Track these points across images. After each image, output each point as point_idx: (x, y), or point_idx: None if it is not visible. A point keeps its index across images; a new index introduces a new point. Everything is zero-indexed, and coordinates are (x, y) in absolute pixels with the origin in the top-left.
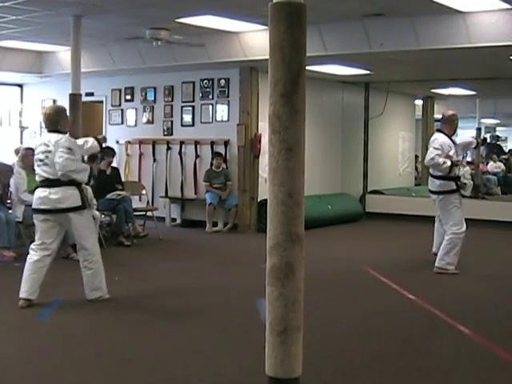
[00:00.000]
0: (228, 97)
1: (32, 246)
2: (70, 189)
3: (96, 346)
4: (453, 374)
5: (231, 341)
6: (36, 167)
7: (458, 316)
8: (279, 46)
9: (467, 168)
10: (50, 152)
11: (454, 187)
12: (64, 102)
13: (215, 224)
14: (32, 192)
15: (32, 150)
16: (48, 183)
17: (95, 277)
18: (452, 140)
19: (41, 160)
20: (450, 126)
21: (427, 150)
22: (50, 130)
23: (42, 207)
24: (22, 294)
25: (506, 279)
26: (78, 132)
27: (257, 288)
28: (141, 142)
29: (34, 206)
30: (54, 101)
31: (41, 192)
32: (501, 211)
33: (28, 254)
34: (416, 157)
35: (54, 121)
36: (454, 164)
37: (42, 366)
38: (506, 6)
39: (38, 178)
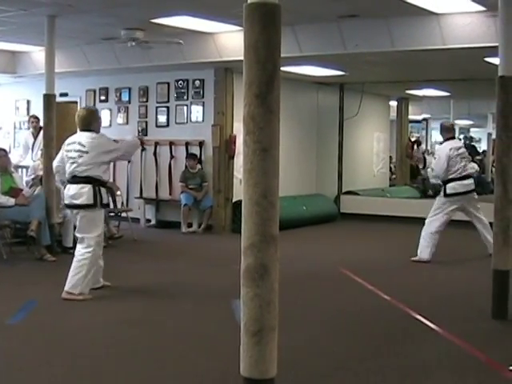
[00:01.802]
0: (203, 97)
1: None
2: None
3: (70, 348)
4: (428, 373)
5: (206, 341)
6: (68, 164)
7: (432, 316)
8: (254, 46)
9: None
10: (85, 153)
11: None
12: (38, 103)
13: (190, 225)
14: (6, 193)
15: (5, 150)
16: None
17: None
18: None
19: (72, 158)
20: None
21: (400, 150)
22: (83, 130)
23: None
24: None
25: (480, 280)
26: (51, 133)
27: (232, 289)
28: None
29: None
30: (28, 101)
31: (68, 189)
32: None
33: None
34: (390, 158)
35: (87, 122)
36: None
37: (14, 367)
38: (480, 7)
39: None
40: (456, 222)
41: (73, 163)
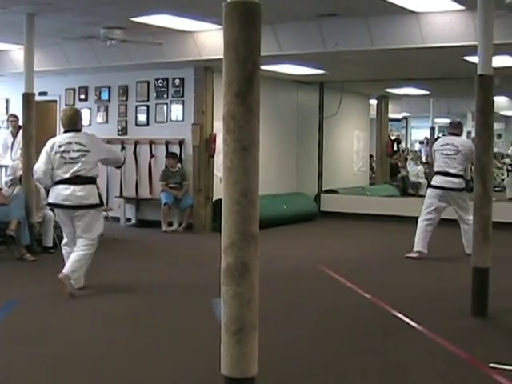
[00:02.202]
0: (183, 96)
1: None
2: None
3: (50, 348)
4: (409, 371)
5: (186, 340)
6: (61, 164)
7: (413, 314)
8: (233, 45)
9: (420, 167)
10: (88, 152)
11: None
12: (17, 102)
13: (170, 224)
14: None
15: None
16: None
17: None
18: None
19: (73, 158)
20: None
21: (380, 148)
22: (71, 130)
23: (66, 203)
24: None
25: (463, 278)
26: (31, 132)
27: (212, 287)
28: None
29: (56, 202)
30: (7, 100)
31: (64, 189)
32: (454, 209)
33: None
34: (371, 156)
35: (74, 121)
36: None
37: None
38: (459, 7)
39: (59, 177)
40: (441, 221)
41: (75, 163)
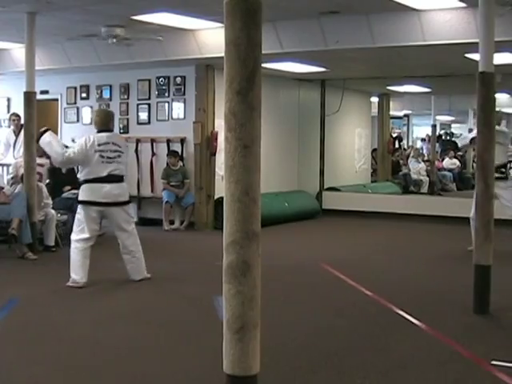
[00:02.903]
0: (184, 94)
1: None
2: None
3: (53, 346)
4: (410, 369)
5: (189, 338)
6: (99, 164)
7: (414, 311)
8: (235, 43)
9: (422, 165)
10: (122, 153)
11: None
12: (18, 100)
13: (172, 222)
14: None
15: None
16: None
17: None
18: None
19: (110, 158)
20: None
21: (382, 146)
22: (106, 130)
23: (103, 201)
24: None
25: (462, 275)
26: (32, 131)
27: (214, 286)
28: None
29: (92, 199)
30: (9, 99)
31: (100, 188)
32: (456, 207)
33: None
34: (374, 150)
35: (107, 121)
36: None
37: None
38: (460, 4)
39: (94, 175)
40: (440, 218)
41: (111, 163)
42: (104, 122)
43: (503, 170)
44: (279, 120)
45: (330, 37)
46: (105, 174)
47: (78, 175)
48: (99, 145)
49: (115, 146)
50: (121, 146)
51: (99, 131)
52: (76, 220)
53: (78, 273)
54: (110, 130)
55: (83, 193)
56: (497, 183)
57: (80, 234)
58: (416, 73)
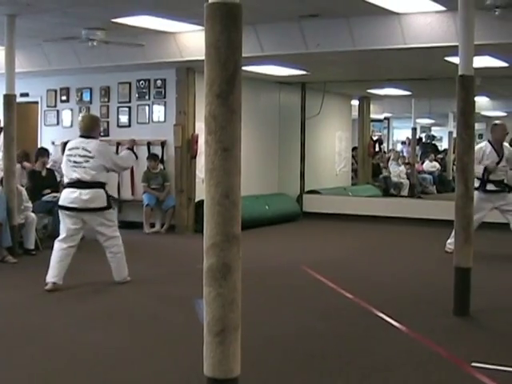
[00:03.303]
0: (165, 97)
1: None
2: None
3: (33, 349)
4: (391, 371)
5: (169, 342)
6: (68, 168)
7: (394, 314)
8: (215, 46)
9: (402, 167)
10: (91, 158)
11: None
12: None
13: (153, 225)
14: None
15: None
16: (80, 185)
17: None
18: (495, 148)
19: (76, 162)
20: (493, 135)
21: (362, 149)
22: (83, 136)
23: (72, 206)
24: (52, 279)
25: (441, 277)
26: (12, 134)
27: (194, 288)
28: None
29: (64, 204)
30: None
31: (71, 193)
32: (436, 210)
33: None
34: (354, 148)
35: (88, 127)
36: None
37: None
38: (440, 7)
39: (68, 179)
40: (420, 220)
41: (77, 167)
42: (84, 128)
43: None
44: (260, 123)
45: (310, 40)
46: (74, 178)
47: None
48: (69, 149)
49: (84, 151)
50: (91, 151)
51: (79, 136)
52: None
53: (48, 272)
54: (90, 136)
55: (61, 196)
56: None
57: (60, 235)
58: (396, 76)
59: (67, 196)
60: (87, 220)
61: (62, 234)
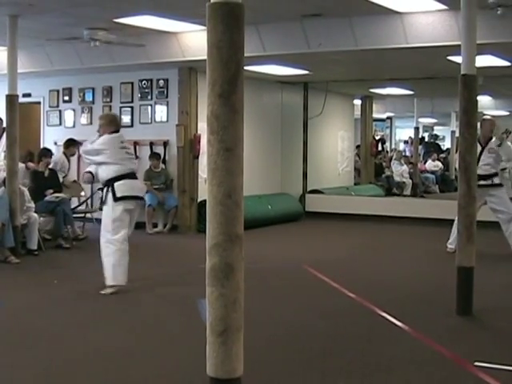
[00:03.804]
0: (167, 97)
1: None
2: None
3: (36, 350)
4: (394, 370)
5: (172, 342)
6: (125, 159)
7: (397, 314)
8: (217, 46)
9: (405, 167)
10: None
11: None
12: (0, 103)
13: (155, 225)
14: None
15: None
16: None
17: None
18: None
19: (130, 154)
20: (481, 130)
21: (365, 148)
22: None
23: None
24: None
25: (444, 276)
26: (14, 134)
27: (197, 288)
28: (79, 144)
29: (129, 194)
30: None
31: (133, 182)
32: (439, 209)
33: None
34: (358, 146)
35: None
36: None
37: None
38: (443, 6)
39: (125, 170)
40: (422, 220)
41: (131, 159)
42: (117, 123)
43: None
44: (262, 123)
45: (312, 39)
46: (133, 169)
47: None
48: (122, 142)
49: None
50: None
51: (113, 132)
52: (110, 220)
53: (109, 275)
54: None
55: (118, 189)
56: None
57: (115, 233)
58: (399, 75)
59: (132, 186)
60: (137, 210)
61: (120, 231)
